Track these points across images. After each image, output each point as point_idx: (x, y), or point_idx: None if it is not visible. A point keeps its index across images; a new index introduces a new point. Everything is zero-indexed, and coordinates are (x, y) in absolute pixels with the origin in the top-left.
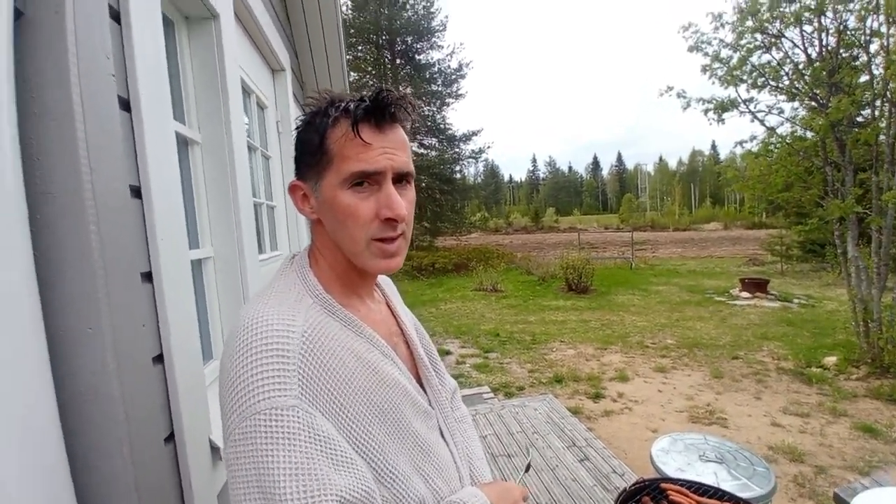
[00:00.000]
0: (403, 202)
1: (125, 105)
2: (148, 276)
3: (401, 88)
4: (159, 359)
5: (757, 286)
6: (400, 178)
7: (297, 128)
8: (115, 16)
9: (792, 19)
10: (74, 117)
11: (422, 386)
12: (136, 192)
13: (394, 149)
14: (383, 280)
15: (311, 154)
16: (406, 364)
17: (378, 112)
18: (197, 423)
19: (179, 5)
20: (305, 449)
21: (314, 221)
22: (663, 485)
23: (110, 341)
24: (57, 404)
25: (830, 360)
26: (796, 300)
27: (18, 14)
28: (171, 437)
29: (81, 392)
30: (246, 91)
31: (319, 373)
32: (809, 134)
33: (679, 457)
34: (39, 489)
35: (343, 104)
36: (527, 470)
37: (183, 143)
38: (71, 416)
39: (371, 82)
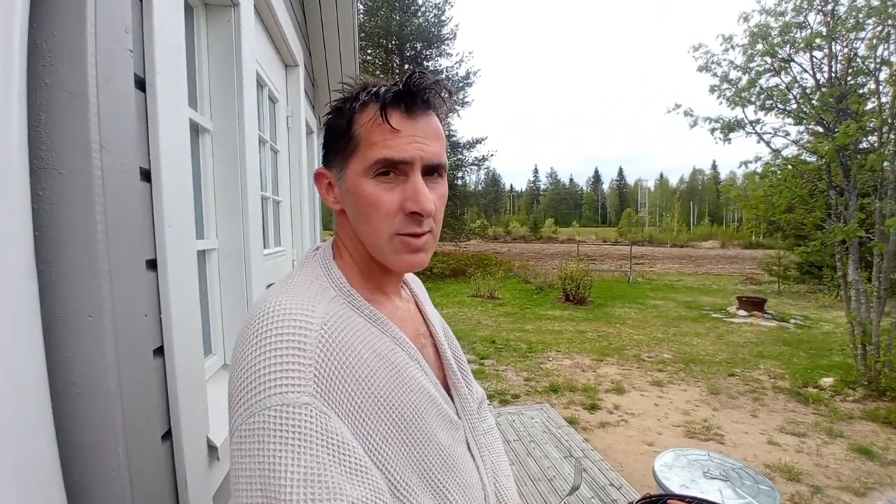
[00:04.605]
0: (432, 196)
1: (140, 84)
2: (153, 264)
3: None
4: (160, 351)
5: (754, 305)
6: (431, 171)
7: (326, 114)
8: None
9: (802, 44)
10: (88, 90)
11: (449, 394)
12: (146, 175)
13: (425, 137)
14: (412, 279)
15: (337, 140)
16: (433, 368)
17: (409, 97)
18: (195, 421)
19: None
20: (316, 453)
21: (338, 212)
22: (671, 501)
23: (111, 331)
24: (50, 396)
25: (827, 381)
26: (793, 320)
27: None
28: (168, 435)
29: (76, 384)
30: (259, 83)
31: (337, 370)
32: (812, 157)
33: (683, 472)
34: (28, 487)
35: (374, 88)
36: (571, 493)
37: (194, 130)
38: (63, 409)
39: None
